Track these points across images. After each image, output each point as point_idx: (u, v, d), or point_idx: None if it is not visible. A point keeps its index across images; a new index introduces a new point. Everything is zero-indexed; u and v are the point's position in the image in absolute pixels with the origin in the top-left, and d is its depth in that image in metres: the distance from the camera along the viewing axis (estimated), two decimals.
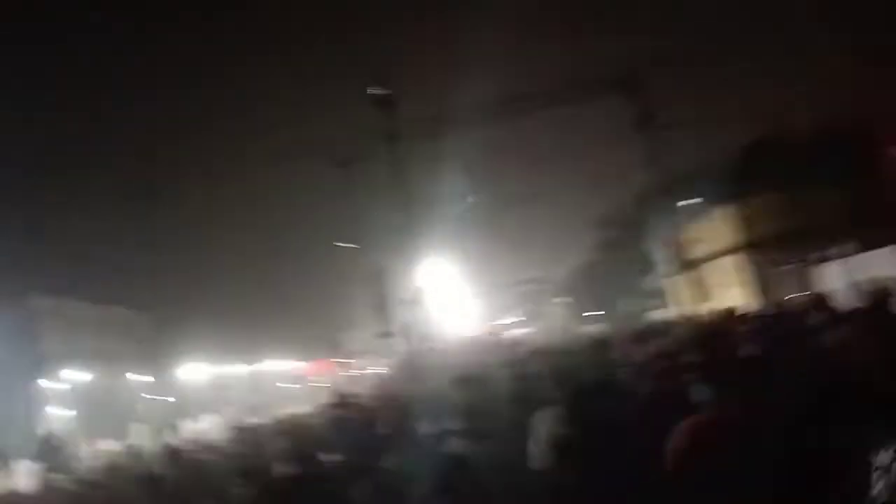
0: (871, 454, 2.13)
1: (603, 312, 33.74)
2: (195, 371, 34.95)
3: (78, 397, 27.50)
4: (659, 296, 25.84)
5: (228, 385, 37.30)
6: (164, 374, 33.73)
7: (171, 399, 33.09)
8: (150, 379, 33.21)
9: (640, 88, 18.51)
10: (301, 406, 19.03)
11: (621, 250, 31.13)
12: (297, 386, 39.35)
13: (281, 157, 25.99)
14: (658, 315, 22.98)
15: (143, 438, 20.58)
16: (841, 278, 17.06)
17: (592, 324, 32.74)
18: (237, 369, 39.05)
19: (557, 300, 40.73)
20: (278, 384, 39.94)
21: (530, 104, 19.61)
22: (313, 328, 38.66)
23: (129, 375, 32.16)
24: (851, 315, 6.52)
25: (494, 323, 35.77)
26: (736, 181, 21.37)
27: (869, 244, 17.66)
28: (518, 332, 35.09)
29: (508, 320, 39.20)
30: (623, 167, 23.25)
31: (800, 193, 19.78)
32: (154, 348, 34.27)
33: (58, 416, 25.78)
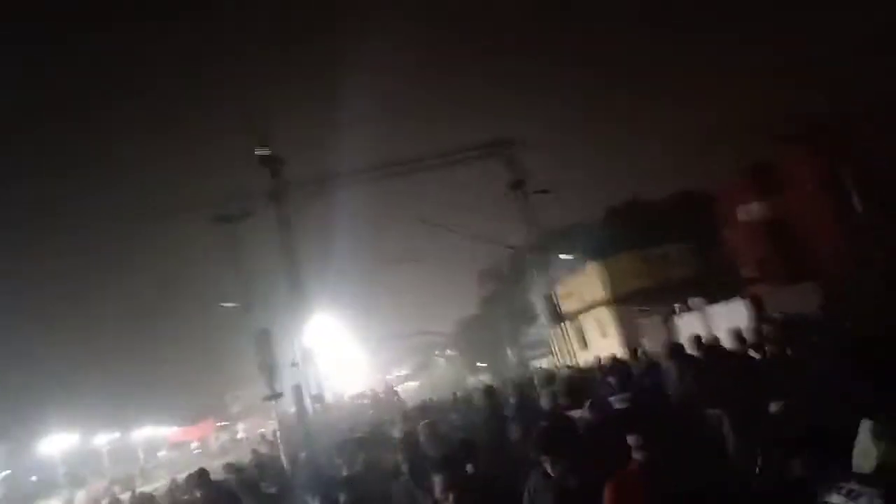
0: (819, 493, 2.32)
1: (487, 364, 34.89)
2: (58, 442, 32.18)
3: None
4: (541, 345, 27.22)
5: (98, 455, 34.53)
6: (19, 446, 30.81)
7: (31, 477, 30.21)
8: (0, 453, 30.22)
9: (513, 153, 19.99)
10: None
11: (503, 303, 32.53)
12: (175, 453, 37.11)
13: (163, 216, 25.26)
14: (541, 364, 24.25)
15: None
16: (695, 328, 18.97)
17: (479, 375, 33.77)
18: (108, 437, 36.25)
19: (444, 353, 41.61)
20: (156, 452, 37.41)
21: (412, 166, 20.60)
22: (194, 390, 36.96)
23: None
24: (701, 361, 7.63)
25: (383, 377, 35.92)
26: (603, 239, 23.35)
27: (716, 297, 19.81)
28: (406, 385, 35.48)
29: (397, 374, 39.46)
30: (502, 226, 24.58)
31: (657, 251, 21.92)
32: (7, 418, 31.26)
33: None
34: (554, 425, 3.64)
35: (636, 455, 3.14)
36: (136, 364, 35.14)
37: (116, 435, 36.43)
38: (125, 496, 13.62)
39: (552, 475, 3.32)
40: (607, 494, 3.13)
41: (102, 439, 35.44)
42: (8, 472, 29.77)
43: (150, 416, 37.90)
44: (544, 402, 6.81)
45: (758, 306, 17.49)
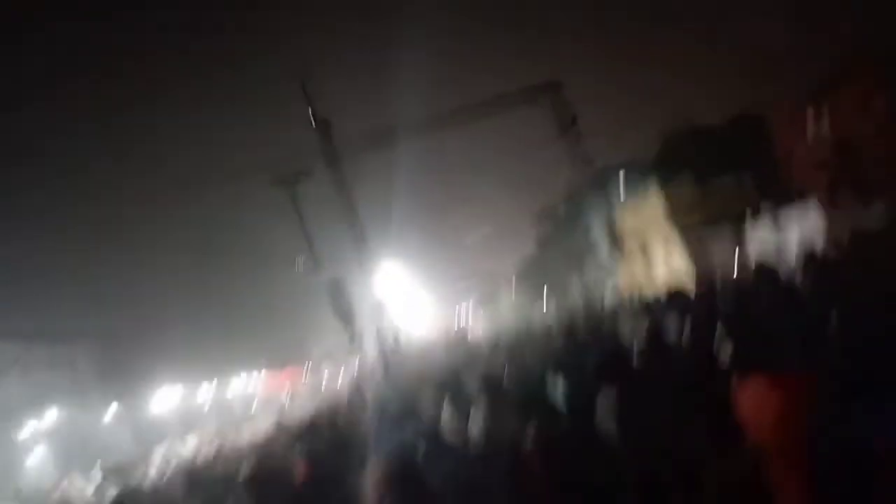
0: None
1: (554, 299, 35.55)
2: (166, 396, 35.07)
3: (50, 438, 27.61)
4: (607, 276, 27.69)
5: (200, 409, 37.46)
6: (132, 403, 33.82)
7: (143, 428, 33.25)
8: (117, 409, 33.29)
9: (560, 95, 20.12)
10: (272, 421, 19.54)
11: (561, 242, 32.94)
12: (269, 400, 39.77)
13: (223, 180, 26.60)
14: (610, 293, 24.76)
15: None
16: (761, 245, 19.11)
17: (547, 311, 34.52)
18: (207, 390, 39.04)
19: (509, 292, 42.44)
20: (250, 401, 40.13)
21: (462, 117, 21.03)
22: (278, 340, 39.19)
23: (98, 409, 32.27)
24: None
25: (454, 320, 37.21)
26: (660, 171, 23.33)
27: (773, 222, 19.73)
28: (478, 326, 36.66)
29: (467, 316, 40.68)
30: (555, 165, 24.75)
31: (716, 181, 21.84)
32: (114, 379, 34.15)
33: (36, 460, 25.89)
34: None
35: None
36: (222, 318, 37.44)
37: (214, 385, 39.17)
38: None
39: None
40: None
41: (203, 392, 38.42)
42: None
43: (242, 365, 40.51)
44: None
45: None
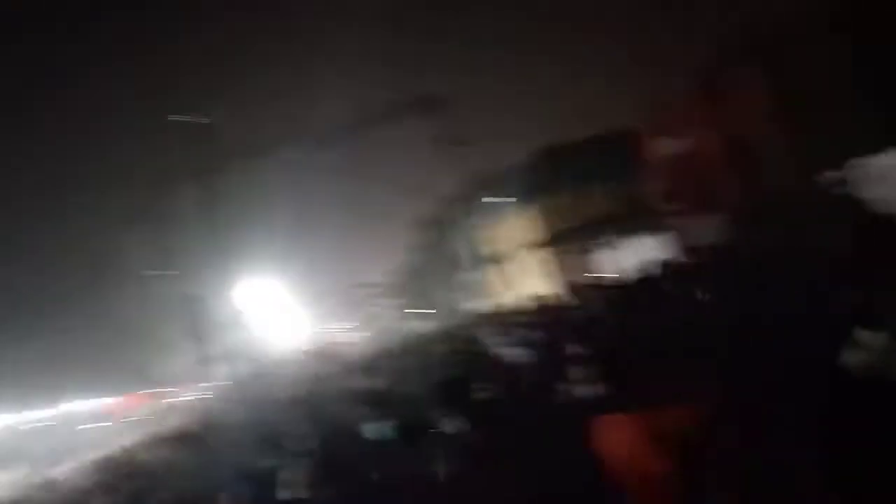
0: None
1: (430, 310, 35.37)
2: None
3: None
4: (474, 288, 27.78)
5: (26, 434, 33.35)
6: None
7: None
8: None
9: (442, 106, 20.02)
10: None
11: (435, 251, 32.81)
12: (107, 425, 36.08)
13: (93, 183, 24.30)
14: (474, 306, 24.79)
15: None
16: (617, 262, 19.73)
17: (420, 321, 34.19)
18: (35, 414, 34.84)
19: (384, 302, 41.84)
20: (84, 426, 36.09)
21: (345, 129, 20.46)
22: (123, 360, 35.94)
23: None
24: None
25: (325, 331, 35.91)
26: (528, 183, 23.70)
27: (637, 232, 20.53)
28: (349, 337, 35.68)
29: (339, 327, 39.52)
30: (433, 176, 24.54)
31: (580, 192, 22.45)
32: None
33: None
34: None
35: None
36: (58, 337, 33.84)
37: (43, 412, 35.08)
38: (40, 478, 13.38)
39: None
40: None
41: (29, 417, 34.24)
42: None
43: (77, 389, 36.62)
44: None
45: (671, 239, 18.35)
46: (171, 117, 20.13)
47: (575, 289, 16.44)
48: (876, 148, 12.61)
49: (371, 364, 12.20)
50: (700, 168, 21.17)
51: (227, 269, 21.90)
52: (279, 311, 29.39)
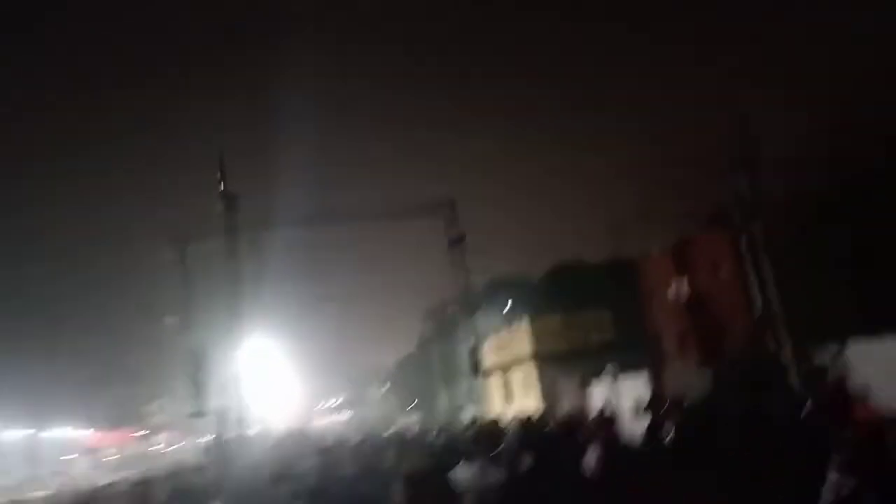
0: None
1: (420, 404, 35.48)
2: None
3: None
4: (470, 395, 28.13)
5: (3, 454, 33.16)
6: None
7: None
8: None
9: (453, 210, 21.30)
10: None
11: (439, 348, 33.40)
12: (88, 457, 35.78)
13: (123, 236, 25.87)
14: (468, 413, 25.07)
15: None
16: (610, 394, 20.15)
17: (411, 415, 34.33)
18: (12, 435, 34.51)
19: (380, 388, 42.04)
20: (63, 456, 35.79)
21: (357, 216, 21.76)
22: (116, 396, 36.20)
23: None
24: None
25: (315, 406, 36.19)
26: (536, 297, 24.60)
27: (634, 367, 21.06)
28: (337, 417, 35.83)
29: (328, 404, 39.70)
30: (443, 277, 25.46)
31: (583, 315, 23.21)
32: None
33: None
34: None
35: None
36: (56, 361, 34.51)
37: (30, 432, 34.88)
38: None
39: None
40: None
41: (13, 436, 34.06)
42: None
43: (68, 416, 36.58)
44: None
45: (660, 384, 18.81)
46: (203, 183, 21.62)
47: (564, 411, 16.92)
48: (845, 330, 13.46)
49: (345, 454, 12.40)
50: (706, 315, 21.91)
51: (235, 328, 22.87)
52: (277, 379, 29.94)
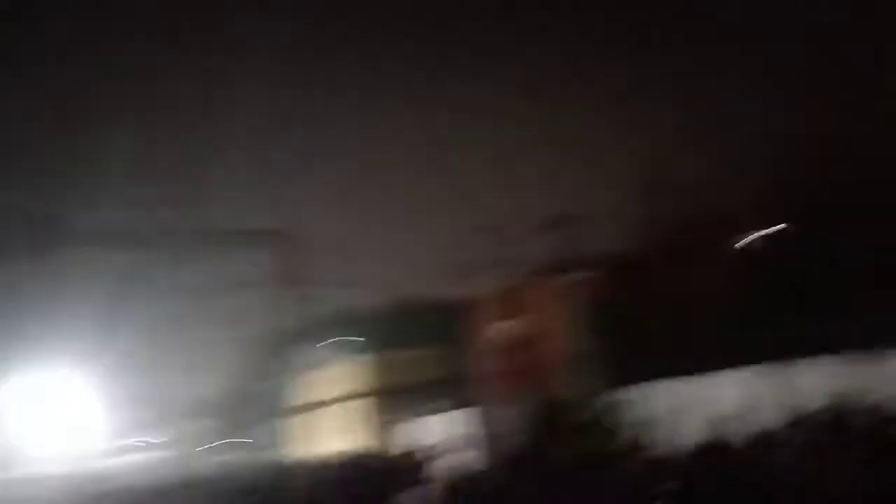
0: None
1: (242, 440, 33.19)
2: None
3: None
4: (295, 431, 26.67)
5: None
6: None
7: None
8: None
9: (286, 240, 20.16)
10: None
11: (262, 383, 31.58)
12: None
13: None
14: (292, 451, 23.70)
15: None
16: (435, 433, 19.86)
17: (232, 451, 31.86)
18: None
19: (197, 422, 38.87)
20: None
21: (175, 241, 20.00)
22: None
23: None
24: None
25: (116, 443, 32.44)
26: (366, 334, 23.94)
27: (456, 404, 20.98)
28: (143, 455, 32.44)
29: (136, 441, 35.90)
30: (274, 305, 23.94)
31: (412, 353, 22.92)
32: None
33: None
34: None
35: None
36: None
37: None
38: None
39: None
40: None
41: None
42: None
43: None
44: None
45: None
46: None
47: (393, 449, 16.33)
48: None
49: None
50: (529, 356, 22.43)
51: (13, 357, 19.77)
52: (67, 414, 26.43)
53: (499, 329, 24.07)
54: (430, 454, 14.85)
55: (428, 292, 23.66)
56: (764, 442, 7.80)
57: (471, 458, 14.56)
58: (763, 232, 15.35)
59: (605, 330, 18.75)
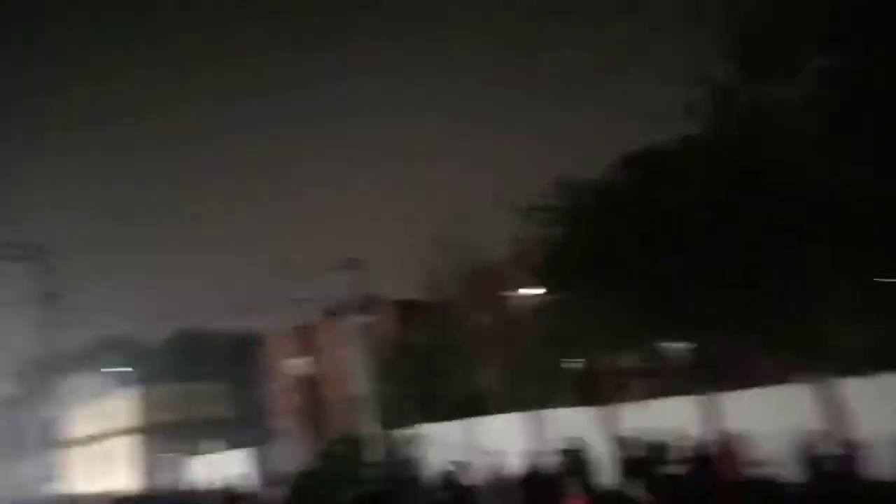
0: None
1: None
2: None
3: None
4: (56, 467, 24.05)
5: None
6: None
7: None
8: None
9: (47, 260, 18.32)
10: None
11: (22, 414, 28.10)
12: None
13: None
14: (50, 488, 21.33)
15: None
16: (207, 471, 19.21)
17: None
18: None
19: None
20: None
21: None
22: None
23: None
24: None
25: None
26: (147, 366, 22.53)
27: (248, 439, 20.48)
28: None
29: None
30: (35, 332, 21.56)
31: (199, 387, 22.00)
32: None
33: None
34: None
35: None
36: None
37: None
38: None
39: None
40: None
41: None
42: None
43: None
44: None
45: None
46: None
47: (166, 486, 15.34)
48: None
49: None
50: (313, 394, 22.58)
51: None
52: None
53: (287, 366, 24.07)
54: (210, 492, 14.57)
55: (213, 326, 22.99)
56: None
57: (252, 496, 14.49)
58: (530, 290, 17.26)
59: (389, 370, 19.77)
